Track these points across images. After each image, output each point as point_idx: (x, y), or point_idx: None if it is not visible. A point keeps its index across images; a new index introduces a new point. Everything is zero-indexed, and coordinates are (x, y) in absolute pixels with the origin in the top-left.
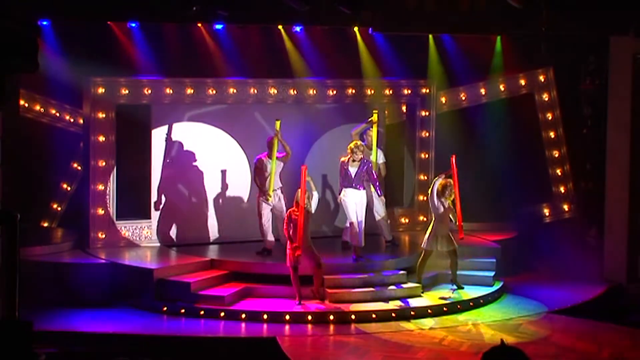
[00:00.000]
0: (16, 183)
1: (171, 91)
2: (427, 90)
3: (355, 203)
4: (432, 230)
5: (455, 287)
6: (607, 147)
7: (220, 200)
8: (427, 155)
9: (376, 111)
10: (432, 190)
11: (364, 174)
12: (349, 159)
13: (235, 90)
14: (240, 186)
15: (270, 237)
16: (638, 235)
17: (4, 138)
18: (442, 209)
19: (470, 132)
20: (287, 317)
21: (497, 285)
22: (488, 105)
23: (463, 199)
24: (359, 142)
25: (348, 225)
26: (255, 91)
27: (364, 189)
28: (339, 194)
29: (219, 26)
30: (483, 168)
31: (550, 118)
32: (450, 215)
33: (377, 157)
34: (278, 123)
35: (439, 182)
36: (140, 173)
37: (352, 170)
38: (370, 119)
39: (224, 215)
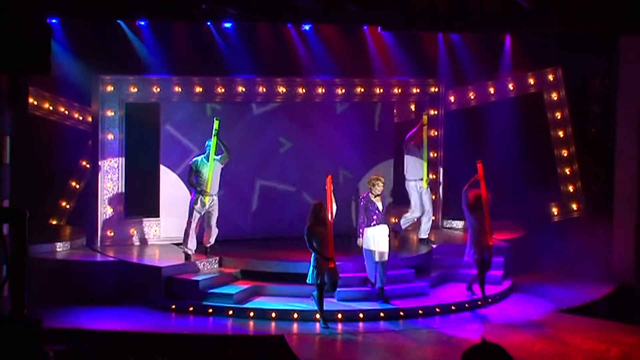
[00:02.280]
0: (25, 181)
1: (180, 89)
2: (436, 89)
3: (377, 244)
4: (471, 241)
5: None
6: (616, 147)
7: (229, 198)
8: (435, 154)
9: (426, 114)
10: (462, 202)
11: (385, 208)
12: (368, 194)
13: (244, 89)
14: (249, 183)
15: (193, 243)
16: None
17: (13, 136)
18: (475, 221)
19: (478, 131)
20: (296, 315)
21: (506, 284)
22: (497, 104)
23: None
24: (379, 175)
25: (369, 267)
26: (264, 89)
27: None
28: (360, 236)
29: (227, 24)
30: (491, 167)
31: (559, 117)
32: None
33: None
34: (217, 123)
35: (468, 193)
36: (149, 171)
37: (379, 204)
38: (421, 122)
39: (233, 212)
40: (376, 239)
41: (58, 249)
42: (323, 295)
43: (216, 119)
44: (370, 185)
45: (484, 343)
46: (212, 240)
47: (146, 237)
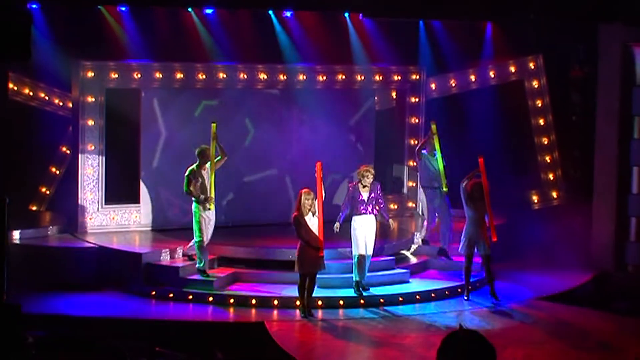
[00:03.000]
0: (4, 166)
1: (161, 75)
2: (417, 77)
3: (365, 234)
4: (464, 233)
5: (494, 299)
6: (595, 135)
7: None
8: (416, 142)
9: (434, 122)
10: (461, 193)
11: (373, 199)
12: (357, 183)
13: (225, 75)
14: (230, 169)
15: (207, 256)
16: (625, 222)
17: None
18: (472, 212)
19: (459, 118)
20: (276, 302)
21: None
22: (478, 91)
23: (453, 186)
24: (370, 166)
25: (354, 258)
26: (245, 76)
27: (374, 214)
28: (339, 220)
29: (209, 10)
30: (472, 154)
31: (539, 105)
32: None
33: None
34: (214, 126)
35: (465, 184)
36: (129, 157)
37: (364, 194)
38: (430, 131)
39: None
40: (363, 230)
41: (38, 235)
42: (305, 285)
43: (213, 122)
44: (360, 176)
45: (461, 330)
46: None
47: (126, 223)
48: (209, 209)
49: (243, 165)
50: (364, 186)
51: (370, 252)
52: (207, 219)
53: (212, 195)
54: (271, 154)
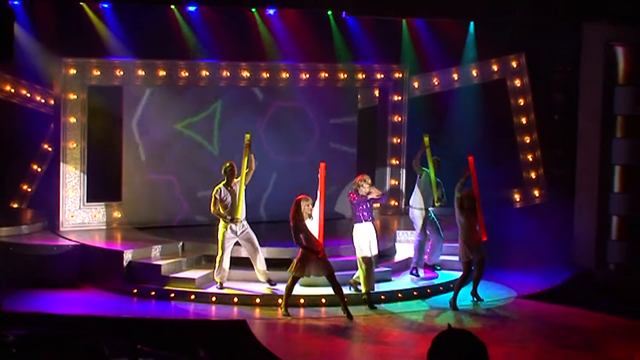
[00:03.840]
0: None
1: (143, 73)
2: (400, 75)
3: (369, 240)
4: (462, 242)
5: (474, 299)
6: (578, 134)
7: (191, 183)
8: (399, 140)
9: (426, 135)
10: (454, 201)
11: (371, 207)
12: (355, 192)
13: (207, 73)
14: (210, 168)
15: (223, 274)
16: (607, 221)
17: None
18: (464, 220)
19: (442, 117)
20: (258, 300)
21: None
22: (461, 90)
23: (439, 185)
24: (366, 176)
25: (360, 267)
26: (228, 74)
27: (372, 220)
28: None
29: (191, 8)
30: (455, 153)
31: (522, 104)
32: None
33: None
34: (248, 136)
35: (461, 193)
36: (111, 155)
37: (367, 203)
38: (423, 144)
39: (195, 197)
40: (366, 236)
41: (19, 233)
42: (293, 287)
43: (248, 133)
44: (357, 186)
45: (451, 329)
46: (263, 265)
47: (108, 221)
48: (234, 230)
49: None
50: (362, 196)
51: (375, 252)
52: (231, 237)
53: (239, 216)
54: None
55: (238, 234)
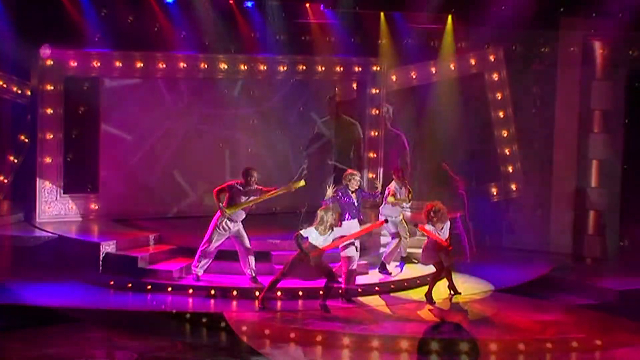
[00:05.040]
0: None
1: (120, 64)
2: (378, 68)
3: (353, 240)
4: (428, 247)
5: (451, 292)
6: (555, 128)
7: (170, 174)
8: (376, 134)
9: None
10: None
11: (360, 204)
12: (344, 187)
13: (185, 65)
14: (190, 159)
15: (205, 266)
16: (583, 215)
17: None
18: (432, 228)
19: (420, 110)
20: (235, 292)
21: None
22: (438, 84)
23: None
24: (355, 171)
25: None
26: (206, 66)
27: (361, 218)
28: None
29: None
30: (432, 146)
31: (499, 98)
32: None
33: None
34: (297, 184)
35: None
36: (89, 146)
37: (354, 199)
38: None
39: (173, 189)
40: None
41: None
42: (279, 282)
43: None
44: (347, 180)
45: (439, 324)
46: (252, 265)
47: (85, 212)
48: (228, 225)
49: (204, 157)
50: (352, 191)
51: (358, 250)
52: (223, 232)
53: (230, 212)
54: (232, 145)
55: (231, 231)
